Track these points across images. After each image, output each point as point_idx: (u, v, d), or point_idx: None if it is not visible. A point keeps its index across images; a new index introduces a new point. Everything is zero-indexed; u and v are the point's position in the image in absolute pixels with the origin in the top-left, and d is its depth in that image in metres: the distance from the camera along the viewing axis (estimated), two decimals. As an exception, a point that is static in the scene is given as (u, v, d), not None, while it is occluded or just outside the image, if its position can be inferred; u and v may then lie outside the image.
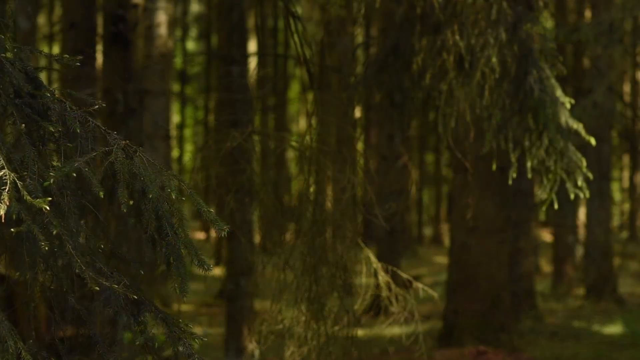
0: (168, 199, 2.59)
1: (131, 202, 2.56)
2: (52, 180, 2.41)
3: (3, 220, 2.28)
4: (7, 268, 2.71)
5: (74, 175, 2.49)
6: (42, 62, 12.90)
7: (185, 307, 12.96)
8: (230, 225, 7.09)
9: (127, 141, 2.62)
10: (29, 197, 2.30)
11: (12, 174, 2.33)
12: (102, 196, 2.51)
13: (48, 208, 2.32)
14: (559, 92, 6.30)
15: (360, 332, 6.98)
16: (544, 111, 6.14)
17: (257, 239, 8.92)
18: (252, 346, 7.35)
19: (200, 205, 2.59)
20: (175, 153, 28.90)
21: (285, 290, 6.71)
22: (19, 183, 2.33)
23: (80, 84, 7.54)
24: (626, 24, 10.52)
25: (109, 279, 2.49)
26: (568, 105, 6.19)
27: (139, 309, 2.58)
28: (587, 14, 16.65)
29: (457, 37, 6.18)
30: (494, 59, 6.11)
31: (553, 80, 6.30)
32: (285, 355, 6.67)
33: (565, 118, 6.19)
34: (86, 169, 2.51)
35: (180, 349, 2.55)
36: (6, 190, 2.28)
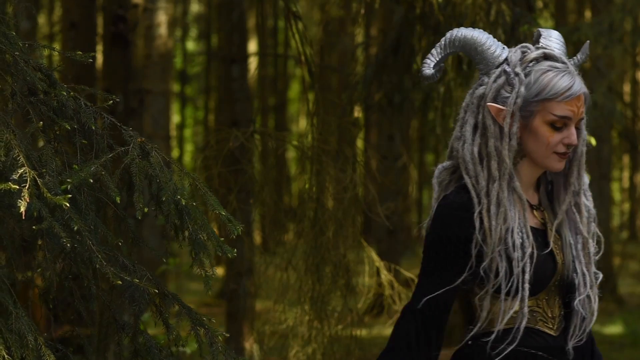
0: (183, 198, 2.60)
1: (146, 210, 2.55)
2: (68, 187, 2.41)
3: (23, 218, 2.29)
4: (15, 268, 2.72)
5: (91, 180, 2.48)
6: (43, 62, 12.88)
7: (189, 305, 12.92)
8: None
9: (143, 138, 2.62)
10: (49, 195, 2.30)
11: (32, 172, 2.33)
12: (119, 201, 2.50)
13: (68, 205, 2.32)
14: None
15: (362, 332, 6.99)
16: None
17: (257, 238, 8.91)
18: (254, 346, 7.35)
19: (216, 206, 2.60)
20: (175, 153, 28.92)
21: (288, 290, 6.72)
22: (39, 180, 2.34)
23: (80, 84, 7.54)
24: (626, 24, 10.52)
25: (131, 273, 2.50)
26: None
27: (164, 303, 2.58)
28: (587, 14, 16.66)
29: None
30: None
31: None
32: (289, 355, 6.68)
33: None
34: (103, 173, 2.50)
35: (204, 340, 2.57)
36: (26, 187, 2.28)
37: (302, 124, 24.42)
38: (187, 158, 29.67)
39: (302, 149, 6.91)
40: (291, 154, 19.81)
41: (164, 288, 2.59)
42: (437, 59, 2.71)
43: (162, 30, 11.79)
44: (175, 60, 24.76)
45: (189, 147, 33.66)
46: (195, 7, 28.65)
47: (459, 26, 6.25)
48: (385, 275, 6.79)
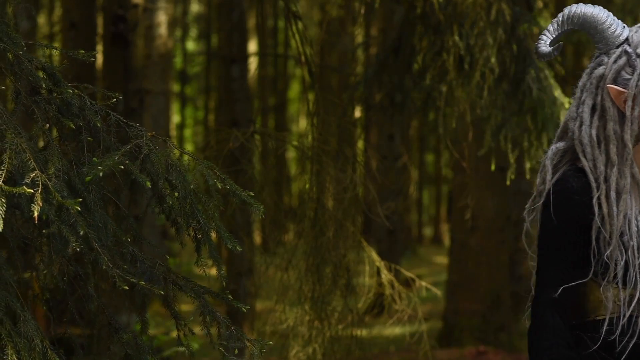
0: (200, 189, 2.60)
1: (177, 194, 2.55)
2: (100, 174, 2.40)
3: (36, 221, 2.29)
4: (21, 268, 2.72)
5: (121, 167, 2.47)
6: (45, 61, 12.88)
7: (185, 307, 12.94)
8: (232, 225, 7.10)
9: (153, 132, 2.62)
10: (60, 198, 2.30)
11: (43, 176, 2.33)
12: (149, 185, 2.49)
13: (79, 209, 2.31)
14: (558, 92, 6.31)
15: (362, 332, 7.00)
16: (543, 111, 6.15)
17: (257, 238, 8.90)
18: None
19: (237, 189, 2.59)
20: (175, 153, 28.79)
21: (288, 290, 6.73)
22: (50, 184, 2.33)
23: (80, 83, 7.55)
24: (626, 24, 10.53)
25: (141, 263, 2.50)
26: (567, 105, 6.21)
27: (174, 293, 2.59)
28: (587, 14, 16.66)
29: (457, 38, 6.19)
30: (493, 59, 6.12)
31: (552, 81, 6.31)
32: (289, 355, 6.68)
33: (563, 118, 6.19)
34: (127, 162, 2.50)
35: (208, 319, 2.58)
36: (39, 191, 2.28)
37: (302, 124, 24.41)
38: (187, 158, 29.64)
39: (302, 149, 6.91)
40: (291, 154, 19.81)
41: (175, 275, 2.59)
42: (554, 36, 2.57)
43: (162, 30, 11.80)
44: (175, 60, 24.76)
45: (189, 147, 33.64)
46: (195, 7, 28.65)
47: (459, 26, 6.27)
48: (385, 275, 6.79)
